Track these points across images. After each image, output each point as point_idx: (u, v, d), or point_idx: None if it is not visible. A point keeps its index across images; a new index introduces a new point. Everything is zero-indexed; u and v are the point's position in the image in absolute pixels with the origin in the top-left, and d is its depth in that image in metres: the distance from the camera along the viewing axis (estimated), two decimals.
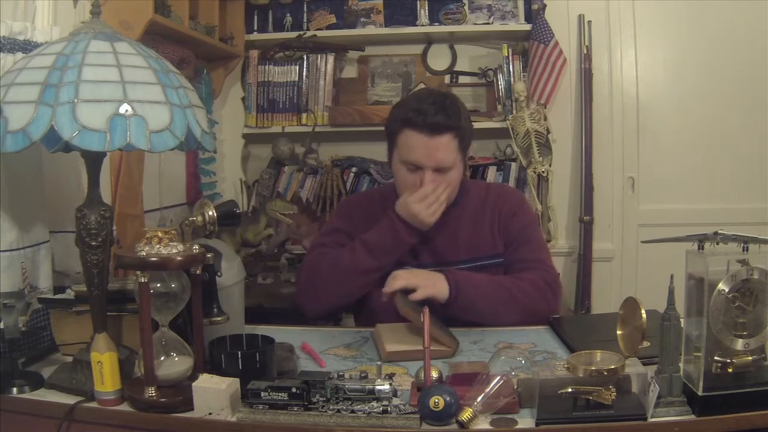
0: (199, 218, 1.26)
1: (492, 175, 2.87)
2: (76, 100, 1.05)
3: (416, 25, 2.92)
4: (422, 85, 2.83)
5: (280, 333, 1.44)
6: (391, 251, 1.64)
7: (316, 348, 1.46)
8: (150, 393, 1.12)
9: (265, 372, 1.17)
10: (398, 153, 1.68)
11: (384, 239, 1.64)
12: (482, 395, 1.07)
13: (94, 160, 1.20)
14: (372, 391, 1.06)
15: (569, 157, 2.93)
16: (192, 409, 1.11)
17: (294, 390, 1.06)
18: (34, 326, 1.39)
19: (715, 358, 1.08)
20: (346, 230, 1.77)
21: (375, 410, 1.05)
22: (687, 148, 2.92)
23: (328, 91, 2.96)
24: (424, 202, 1.60)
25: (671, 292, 1.09)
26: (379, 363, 1.20)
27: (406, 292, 1.50)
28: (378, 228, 1.66)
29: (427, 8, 2.92)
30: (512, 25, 2.89)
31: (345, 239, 1.74)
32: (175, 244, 1.14)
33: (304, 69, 2.96)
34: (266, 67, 2.98)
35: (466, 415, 1.04)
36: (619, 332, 1.21)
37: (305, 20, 2.99)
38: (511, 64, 2.87)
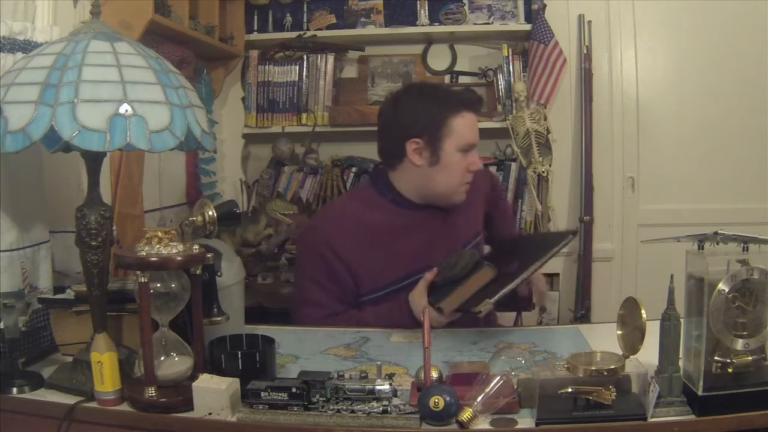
0: (199, 218, 1.26)
1: None
2: (76, 100, 1.04)
3: (416, 25, 2.92)
4: None
5: (280, 333, 1.45)
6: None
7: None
8: (150, 393, 1.12)
9: (265, 372, 1.17)
10: (454, 140, 1.66)
11: (390, 320, 1.64)
12: (482, 395, 1.07)
13: (94, 160, 1.20)
14: (372, 391, 1.06)
15: (569, 157, 2.93)
16: (192, 409, 1.11)
17: (294, 390, 1.06)
18: (34, 326, 1.38)
19: (715, 358, 1.08)
20: (333, 277, 1.68)
21: (375, 410, 1.05)
22: (687, 148, 2.92)
23: (328, 91, 2.95)
24: None
25: (671, 292, 1.09)
26: (379, 363, 1.20)
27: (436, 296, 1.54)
28: (387, 310, 1.66)
29: (427, 8, 2.92)
30: (512, 25, 2.89)
31: (333, 286, 1.68)
32: (175, 244, 1.14)
33: (304, 69, 2.96)
34: (266, 67, 2.98)
35: (466, 415, 1.04)
36: (619, 332, 1.21)
37: (305, 20, 2.99)
38: (511, 64, 2.86)
